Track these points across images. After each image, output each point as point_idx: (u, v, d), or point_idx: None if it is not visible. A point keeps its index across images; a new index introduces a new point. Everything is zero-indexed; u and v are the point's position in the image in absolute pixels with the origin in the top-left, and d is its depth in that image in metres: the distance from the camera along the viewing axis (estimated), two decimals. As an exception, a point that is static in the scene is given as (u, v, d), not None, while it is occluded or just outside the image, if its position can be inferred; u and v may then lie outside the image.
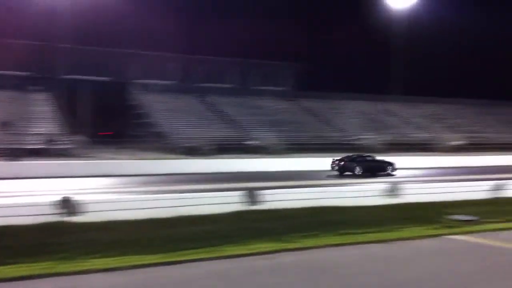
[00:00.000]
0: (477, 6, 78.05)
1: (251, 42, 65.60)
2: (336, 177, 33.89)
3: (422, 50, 75.58)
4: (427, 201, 19.87)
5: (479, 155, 48.02)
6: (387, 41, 67.93)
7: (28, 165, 32.54)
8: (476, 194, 21.19)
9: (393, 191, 20.84)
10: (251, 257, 11.92)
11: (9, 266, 10.62)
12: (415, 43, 69.38)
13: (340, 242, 13.72)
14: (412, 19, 67.20)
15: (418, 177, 32.08)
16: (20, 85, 51.97)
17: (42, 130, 43.22)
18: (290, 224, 15.44)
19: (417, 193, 20.91)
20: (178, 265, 11.15)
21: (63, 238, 13.17)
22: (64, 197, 16.25)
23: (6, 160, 33.43)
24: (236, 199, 18.40)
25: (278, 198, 19.01)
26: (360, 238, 14.29)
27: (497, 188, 21.89)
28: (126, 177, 30.88)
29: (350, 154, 37.44)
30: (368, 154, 38.58)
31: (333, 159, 36.13)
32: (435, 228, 15.99)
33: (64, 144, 40.62)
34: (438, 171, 38.03)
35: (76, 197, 16.63)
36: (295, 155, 43.87)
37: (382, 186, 21.92)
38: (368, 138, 52.24)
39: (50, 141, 39.96)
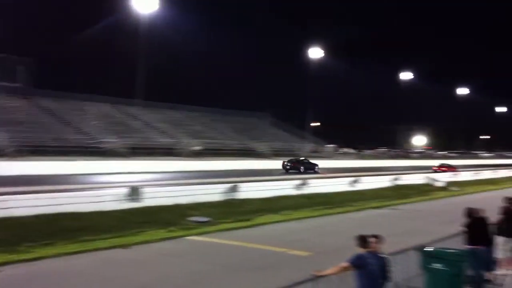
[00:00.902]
0: (219, 21, 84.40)
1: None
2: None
3: (167, 58, 78.17)
4: (170, 204, 20.38)
5: (216, 160, 51.70)
6: (133, 46, 67.91)
7: None
8: (213, 197, 22.60)
9: (134, 195, 20.75)
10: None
11: None
12: (160, 50, 71.19)
13: (78, 250, 13.15)
14: (159, 26, 68.58)
15: (161, 181, 32.79)
16: None
17: None
18: (23, 233, 14.08)
19: (160, 196, 21.25)
20: None
21: None
22: None
23: None
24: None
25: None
26: (100, 244, 13.90)
27: (231, 191, 23.76)
28: None
29: (292, 158, 52.75)
30: (305, 158, 54.90)
31: (284, 162, 50.46)
32: (175, 230, 16.59)
33: None
34: (181, 175, 39.50)
35: None
36: (32, 158, 40.33)
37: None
38: (111, 141, 51.30)
39: None
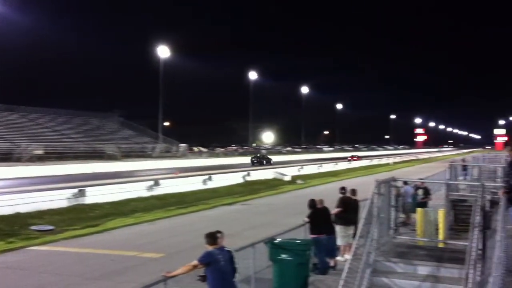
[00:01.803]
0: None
1: None
2: None
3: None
4: (9, 213, 18.72)
5: (60, 164, 48.53)
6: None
7: None
8: (58, 203, 21.22)
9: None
10: None
11: None
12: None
13: None
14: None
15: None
16: None
17: None
18: None
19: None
20: None
21: None
22: None
23: None
24: None
25: None
26: None
27: (77, 196, 22.49)
28: None
29: (258, 154, 73.08)
30: (265, 155, 75.63)
31: (252, 157, 69.08)
32: (15, 242, 15.34)
33: None
34: (21, 181, 36.43)
35: None
36: None
37: None
38: None
39: None
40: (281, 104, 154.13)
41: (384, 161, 75.29)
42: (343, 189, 12.75)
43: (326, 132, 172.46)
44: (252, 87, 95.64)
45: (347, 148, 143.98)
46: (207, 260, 6.95)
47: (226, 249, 7.48)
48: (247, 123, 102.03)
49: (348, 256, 7.89)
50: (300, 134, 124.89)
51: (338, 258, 11.64)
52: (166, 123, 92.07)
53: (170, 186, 28.24)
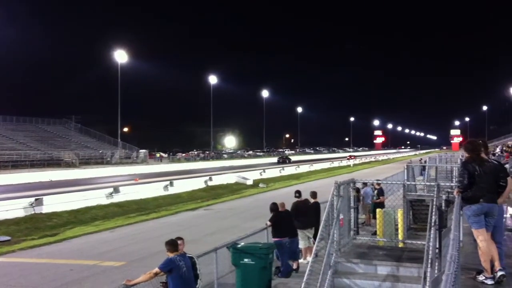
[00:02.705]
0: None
1: None
2: None
3: None
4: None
5: (14, 173, 47.00)
6: None
7: None
8: (14, 213, 20.60)
9: None
10: None
11: None
12: None
13: None
14: None
15: None
16: None
17: None
18: None
19: None
20: None
21: None
22: None
23: None
24: None
25: None
26: None
27: (34, 205, 21.88)
28: None
29: (281, 155, 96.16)
30: (287, 155, 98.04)
31: (278, 157, 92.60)
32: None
33: None
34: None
35: None
36: None
37: None
38: None
39: None
40: (243, 108, 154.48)
41: (344, 163, 76.38)
42: (298, 192, 12.76)
43: (287, 136, 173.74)
44: (213, 91, 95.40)
45: (308, 151, 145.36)
46: (168, 267, 6.90)
47: (188, 255, 7.45)
48: (208, 127, 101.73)
49: (310, 258, 7.95)
50: (262, 138, 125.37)
51: (301, 260, 11.72)
52: (125, 129, 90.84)
53: (131, 193, 27.82)
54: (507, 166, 12.35)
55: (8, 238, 16.70)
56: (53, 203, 22.59)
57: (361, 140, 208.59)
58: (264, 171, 47.35)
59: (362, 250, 8.61)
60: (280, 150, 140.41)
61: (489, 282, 6.60)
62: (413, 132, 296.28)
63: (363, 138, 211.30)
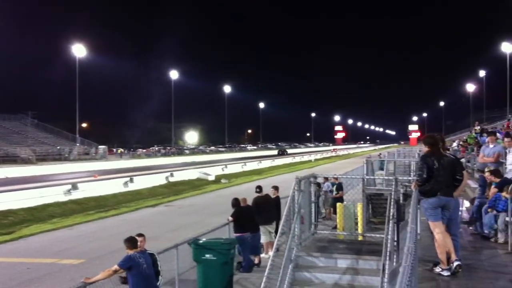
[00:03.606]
0: None
1: None
2: None
3: None
4: None
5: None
6: None
7: None
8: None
9: None
10: None
11: None
12: None
13: None
14: None
15: None
16: None
17: None
18: None
19: None
20: None
21: None
22: None
23: None
24: None
25: None
26: None
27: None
28: None
29: (281, 148, 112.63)
30: (285, 148, 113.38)
31: (278, 150, 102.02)
32: None
33: None
34: None
35: None
36: None
37: None
38: None
39: None
40: (205, 104, 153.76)
41: (306, 158, 77.06)
42: (258, 188, 12.82)
43: (249, 131, 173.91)
44: (174, 86, 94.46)
45: (270, 146, 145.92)
46: (127, 265, 6.82)
47: (148, 252, 7.38)
48: (170, 123, 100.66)
49: (271, 253, 8.00)
50: (224, 134, 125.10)
51: (262, 255, 11.78)
52: (84, 124, 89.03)
53: (90, 190, 27.28)
54: (463, 160, 12.73)
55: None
56: (9, 201, 21.93)
57: (322, 135, 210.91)
58: (226, 167, 47.27)
59: (322, 244, 8.71)
60: (242, 145, 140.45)
61: (445, 273, 6.80)
62: (372, 127, 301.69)
63: (324, 133, 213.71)
